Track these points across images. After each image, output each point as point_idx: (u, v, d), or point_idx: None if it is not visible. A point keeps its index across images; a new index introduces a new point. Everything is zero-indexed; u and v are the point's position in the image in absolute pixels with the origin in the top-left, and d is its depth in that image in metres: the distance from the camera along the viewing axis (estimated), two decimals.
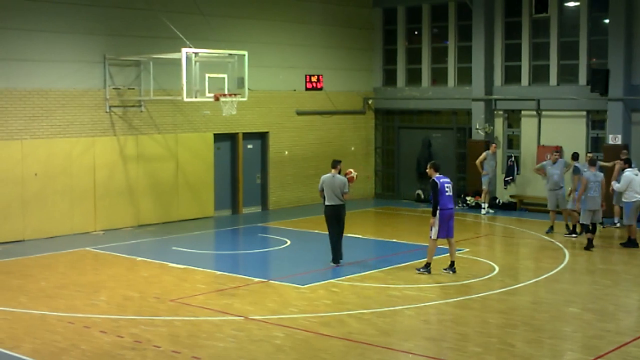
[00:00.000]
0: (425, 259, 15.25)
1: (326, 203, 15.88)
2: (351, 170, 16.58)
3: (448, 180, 15.34)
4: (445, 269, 15.16)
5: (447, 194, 15.03)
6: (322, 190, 15.86)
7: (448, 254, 15.26)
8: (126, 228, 20.33)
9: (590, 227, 17.61)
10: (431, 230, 15.10)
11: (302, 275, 15.19)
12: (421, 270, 15.12)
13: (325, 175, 15.91)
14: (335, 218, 15.86)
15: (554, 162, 19.77)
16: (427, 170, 15.53)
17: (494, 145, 23.16)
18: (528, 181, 23.80)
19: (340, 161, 16.21)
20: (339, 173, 15.95)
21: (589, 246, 17.44)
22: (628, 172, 18.10)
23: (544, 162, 20.24)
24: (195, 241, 18.90)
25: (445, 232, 15.06)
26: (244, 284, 14.37)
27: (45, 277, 14.90)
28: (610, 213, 20.29)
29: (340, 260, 15.97)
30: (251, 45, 21.69)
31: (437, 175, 15.19)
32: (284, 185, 24.28)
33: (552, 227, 19.54)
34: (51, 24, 19.01)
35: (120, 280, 14.76)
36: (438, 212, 14.93)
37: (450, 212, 15.11)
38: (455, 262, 15.19)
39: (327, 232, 16.13)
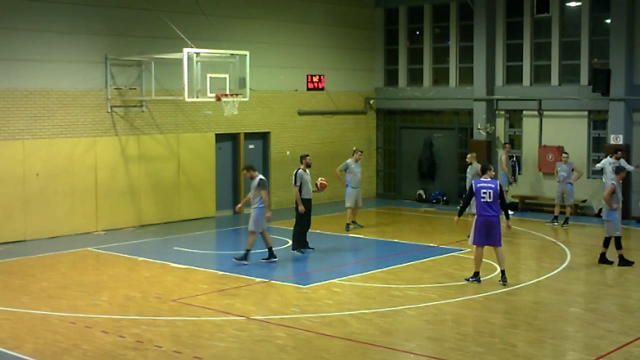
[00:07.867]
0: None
1: (306, 197, 17.36)
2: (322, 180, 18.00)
3: (490, 185, 14.29)
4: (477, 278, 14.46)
5: (482, 200, 14.22)
6: (301, 185, 17.18)
7: (449, 255, 15.23)
8: (128, 228, 20.34)
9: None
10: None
11: (303, 275, 15.19)
12: (470, 279, 14.40)
13: (301, 171, 17.23)
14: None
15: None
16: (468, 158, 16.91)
17: (507, 145, 22.83)
18: (529, 181, 23.78)
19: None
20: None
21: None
22: (606, 159, 20.10)
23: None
24: (196, 241, 18.91)
25: (485, 239, 14.23)
26: (245, 284, 14.37)
27: (47, 277, 14.90)
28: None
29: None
30: (253, 45, 21.70)
31: (479, 178, 14.81)
32: (286, 186, 24.18)
33: (349, 224, 20.29)
34: (53, 24, 19.02)
35: (121, 280, 14.76)
36: (475, 217, 14.43)
37: (486, 219, 14.19)
38: (505, 271, 14.34)
39: (300, 225, 17.40)
